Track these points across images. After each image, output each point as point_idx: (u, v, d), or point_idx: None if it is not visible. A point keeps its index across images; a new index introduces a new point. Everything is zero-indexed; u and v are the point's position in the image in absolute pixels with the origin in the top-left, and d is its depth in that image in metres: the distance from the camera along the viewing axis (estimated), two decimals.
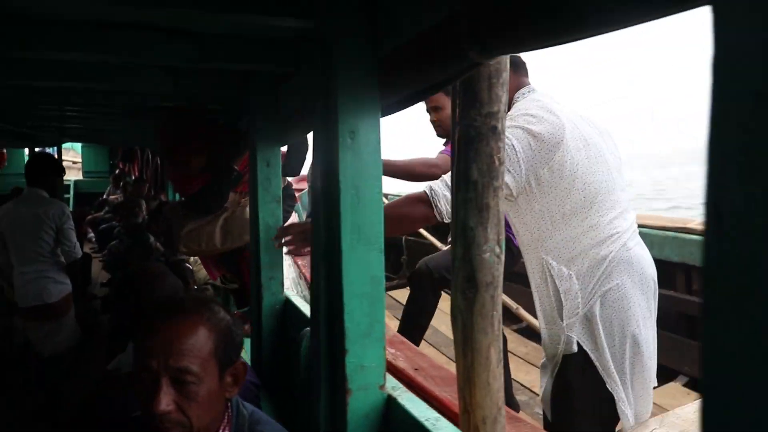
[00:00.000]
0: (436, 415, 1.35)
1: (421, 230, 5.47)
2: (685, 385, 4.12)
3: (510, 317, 4.27)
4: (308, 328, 2.15)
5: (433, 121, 3.60)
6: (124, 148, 8.87)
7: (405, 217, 2.19)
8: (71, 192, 11.01)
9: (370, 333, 1.43)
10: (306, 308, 2.40)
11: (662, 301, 4.31)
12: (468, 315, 1.53)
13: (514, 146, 2.10)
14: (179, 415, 1.28)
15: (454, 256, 1.56)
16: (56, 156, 7.78)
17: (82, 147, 12.30)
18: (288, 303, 2.55)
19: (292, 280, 6.91)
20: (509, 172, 2.09)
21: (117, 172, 9.65)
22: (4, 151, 8.24)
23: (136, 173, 8.69)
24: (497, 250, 1.52)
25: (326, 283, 1.47)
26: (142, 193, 7.20)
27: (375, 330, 1.44)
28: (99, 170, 11.86)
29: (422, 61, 1.21)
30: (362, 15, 1.38)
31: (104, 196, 9.23)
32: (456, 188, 1.54)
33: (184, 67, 2.46)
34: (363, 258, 1.41)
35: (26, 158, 12.54)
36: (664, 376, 4.16)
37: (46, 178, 4.15)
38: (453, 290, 1.57)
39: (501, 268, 1.55)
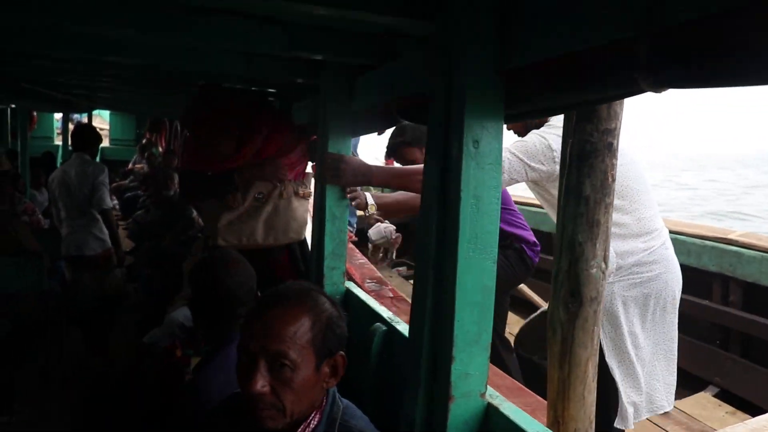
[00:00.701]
0: (544, 428, 1.35)
1: None
2: (715, 396, 4.13)
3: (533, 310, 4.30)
4: (379, 324, 2.16)
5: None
6: (152, 118, 8.86)
7: None
8: (97, 158, 10.99)
9: (478, 341, 1.44)
10: (371, 301, 2.41)
11: (696, 310, 4.34)
12: (569, 328, 1.54)
13: (550, 145, 2.38)
14: (274, 399, 1.33)
15: (557, 269, 1.57)
16: (87, 121, 7.85)
17: (110, 114, 12.33)
18: (349, 294, 2.55)
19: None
20: (542, 164, 2.39)
21: (144, 141, 9.65)
22: (35, 114, 8.25)
23: (163, 144, 8.69)
24: (603, 266, 1.53)
25: (434, 289, 1.48)
26: (172, 165, 7.20)
27: (482, 339, 1.44)
28: (125, 138, 11.91)
29: (568, 80, 1.20)
30: (492, 25, 1.37)
31: (130, 166, 9.24)
32: (565, 201, 1.55)
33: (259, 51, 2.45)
34: (478, 267, 1.41)
35: (56, 122, 12.63)
36: (694, 385, 4.17)
37: (89, 144, 4.93)
38: (553, 303, 1.58)
39: (605, 284, 1.55)
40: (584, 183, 1.51)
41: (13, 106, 7.64)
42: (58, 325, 4.93)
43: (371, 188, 8.09)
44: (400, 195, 2.96)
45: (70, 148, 9.94)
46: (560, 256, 1.56)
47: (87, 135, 5.01)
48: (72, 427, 3.92)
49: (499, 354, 3.58)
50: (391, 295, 3.11)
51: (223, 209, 3.14)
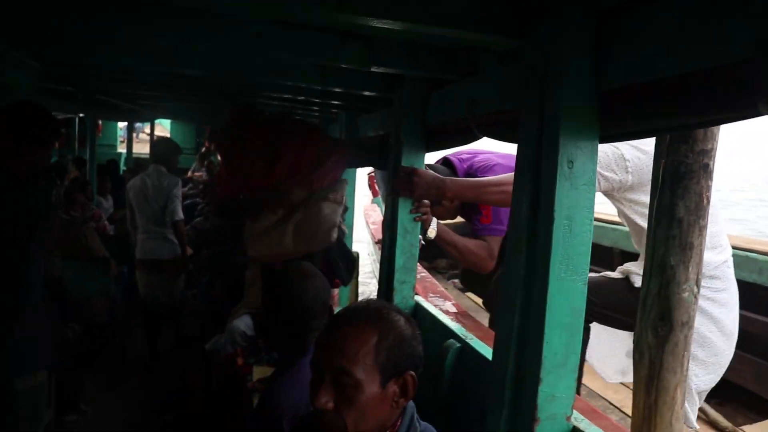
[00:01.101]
0: None
1: None
2: None
3: None
4: (453, 340, 2.15)
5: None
6: (212, 127, 9.03)
7: None
8: None
9: (566, 364, 1.42)
10: (442, 316, 2.40)
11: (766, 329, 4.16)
12: (658, 353, 1.51)
13: (623, 155, 2.33)
14: (336, 416, 1.32)
15: (646, 292, 1.54)
16: (150, 130, 8.11)
17: (171, 123, 12.64)
18: (419, 308, 2.55)
19: (368, 244, 6.89)
20: (615, 173, 2.34)
21: (203, 150, 9.84)
22: (100, 122, 8.51)
23: None
24: (695, 289, 1.49)
25: (522, 310, 1.46)
26: None
27: (570, 361, 1.42)
28: (185, 147, 12.14)
29: (673, 103, 1.17)
30: (590, 43, 1.35)
31: (189, 173, 9.42)
32: (656, 223, 1.51)
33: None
34: (569, 289, 1.39)
35: (119, 131, 13.02)
36: (764, 410, 4.01)
37: (166, 157, 5.20)
38: (640, 326, 1.55)
39: (696, 308, 1.51)
40: (678, 205, 1.47)
41: (81, 115, 7.90)
42: (123, 329, 5.07)
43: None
44: (467, 243, 2.89)
45: (133, 155, 10.23)
46: (650, 278, 1.52)
47: (165, 148, 5.35)
48: (135, 428, 4.02)
49: None
50: (455, 310, 3.09)
51: (260, 217, 3.16)
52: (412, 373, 1.39)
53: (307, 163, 3.14)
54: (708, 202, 1.48)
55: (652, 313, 1.51)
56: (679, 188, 1.47)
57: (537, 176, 1.43)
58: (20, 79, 2.73)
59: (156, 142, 5.72)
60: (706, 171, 1.47)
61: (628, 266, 2.57)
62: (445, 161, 3.22)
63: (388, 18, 1.49)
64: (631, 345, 2.79)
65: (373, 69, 2.10)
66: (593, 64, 1.36)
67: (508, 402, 1.50)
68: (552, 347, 1.40)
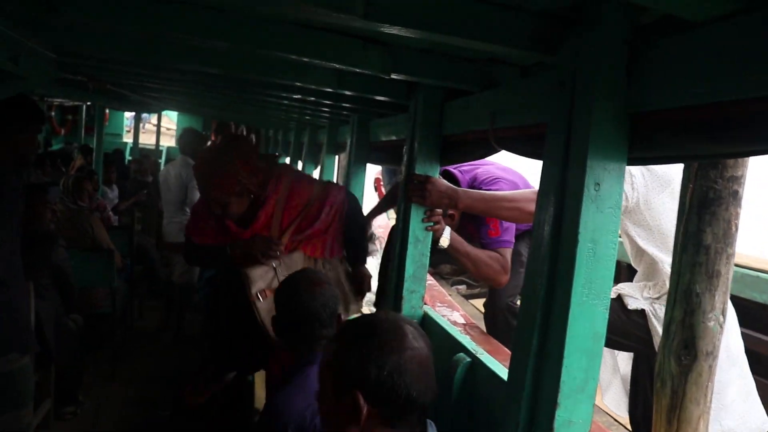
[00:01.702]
0: None
1: None
2: None
3: None
4: (463, 354, 2.11)
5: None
6: (219, 121, 9.00)
7: None
8: (163, 158, 11.27)
9: (584, 389, 1.39)
10: (452, 329, 2.36)
11: None
12: (680, 382, 1.48)
13: (630, 170, 2.27)
14: None
15: (669, 319, 1.51)
16: (156, 121, 8.11)
17: (178, 115, 12.56)
18: (427, 319, 2.51)
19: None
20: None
21: (209, 143, 9.81)
22: (107, 111, 8.50)
23: None
24: (721, 318, 1.46)
25: (541, 331, 1.43)
26: None
27: (589, 386, 1.39)
28: None
29: (709, 130, 1.14)
30: (624, 62, 1.32)
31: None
32: (681, 249, 1.48)
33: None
34: (590, 313, 1.36)
35: (125, 120, 12.99)
36: None
37: (192, 148, 5.47)
38: (663, 353, 1.52)
39: (722, 338, 1.48)
40: (705, 231, 1.44)
41: (88, 103, 7.85)
42: (124, 320, 5.04)
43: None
44: (481, 254, 2.76)
45: (139, 146, 10.18)
46: (674, 305, 1.49)
47: (190, 139, 5.66)
48: (132, 422, 3.99)
49: None
50: (464, 321, 3.06)
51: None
52: (358, 393, 1.22)
53: (296, 213, 2.81)
54: (737, 229, 1.45)
55: (675, 341, 1.48)
56: (707, 214, 1.44)
57: (561, 196, 1.40)
58: (36, 69, 2.70)
59: (182, 134, 5.89)
60: (736, 198, 1.44)
61: (622, 287, 2.54)
62: (445, 173, 2.95)
63: (417, 28, 1.46)
64: (628, 376, 2.80)
65: (393, 76, 2.06)
66: (626, 83, 1.32)
67: (523, 425, 1.47)
68: (571, 372, 1.37)
